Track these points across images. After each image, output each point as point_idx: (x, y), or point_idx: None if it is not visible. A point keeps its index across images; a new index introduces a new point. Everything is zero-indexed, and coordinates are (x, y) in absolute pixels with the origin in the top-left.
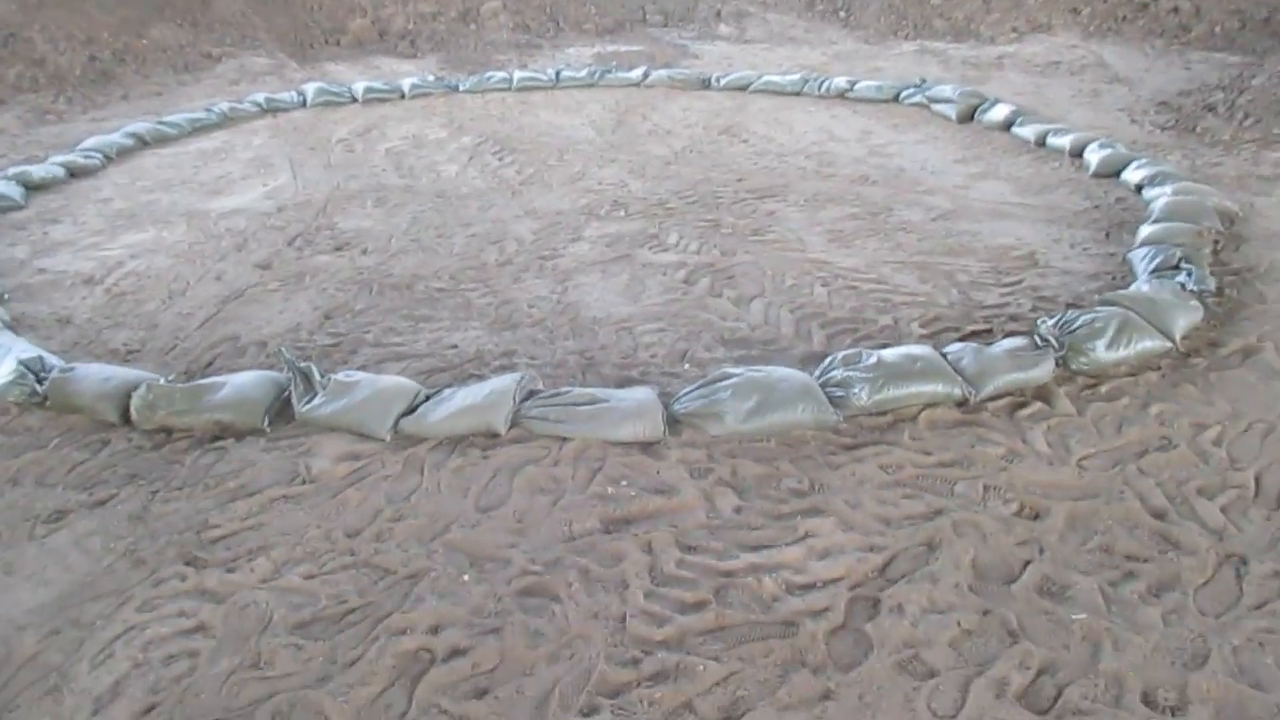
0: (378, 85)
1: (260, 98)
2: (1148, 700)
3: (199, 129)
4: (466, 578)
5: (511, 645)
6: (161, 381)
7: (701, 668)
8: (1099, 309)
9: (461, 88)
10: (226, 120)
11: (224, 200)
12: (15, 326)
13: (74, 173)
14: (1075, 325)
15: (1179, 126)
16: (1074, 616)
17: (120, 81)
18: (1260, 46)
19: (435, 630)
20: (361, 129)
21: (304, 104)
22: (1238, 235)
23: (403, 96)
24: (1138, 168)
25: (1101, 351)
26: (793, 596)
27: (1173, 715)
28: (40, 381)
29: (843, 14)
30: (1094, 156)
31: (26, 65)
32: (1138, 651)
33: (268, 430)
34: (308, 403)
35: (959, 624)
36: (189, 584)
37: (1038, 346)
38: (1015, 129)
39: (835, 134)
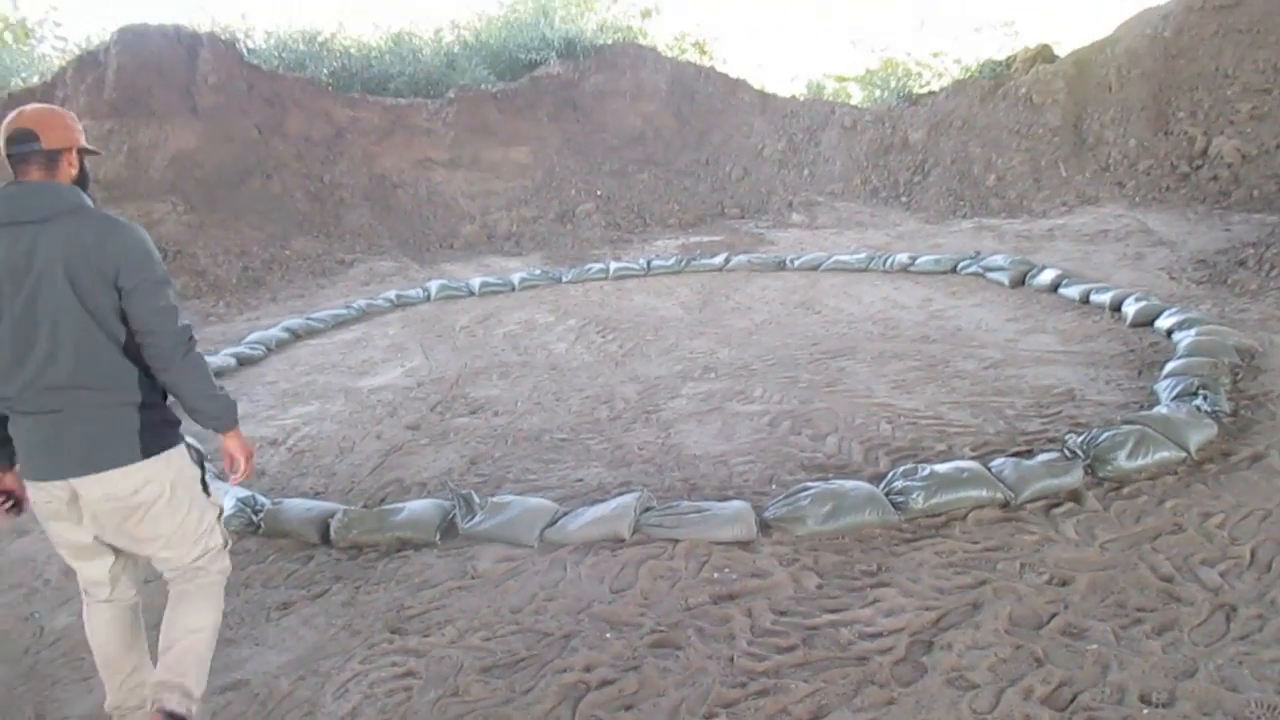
0: (491, 280)
1: (391, 294)
2: (1143, 699)
3: (341, 323)
4: (609, 635)
5: (648, 677)
6: (354, 508)
7: (794, 686)
8: (1122, 426)
9: (564, 279)
10: (364, 315)
11: (371, 379)
12: (222, 478)
13: (242, 362)
14: (1100, 439)
15: (1212, 280)
16: (1088, 647)
17: (269, 286)
18: None
19: (588, 669)
20: (480, 317)
21: (428, 298)
22: (1256, 367)
23: (513, 289)
24: (1169, 316)
25: (1123, 460)
26: (864, 641)
27: (1163, 708)
28: (255, 513)
29: (904, 199)
30: (1131, 309)
31: (191, 276)
32: (1139, 669)
33: (438, 543)
34: (469, 521)
35: (996, 654)
36: (395, 645)
37: (1068, 458)
38: (1061, 290)
39: (898, 303)
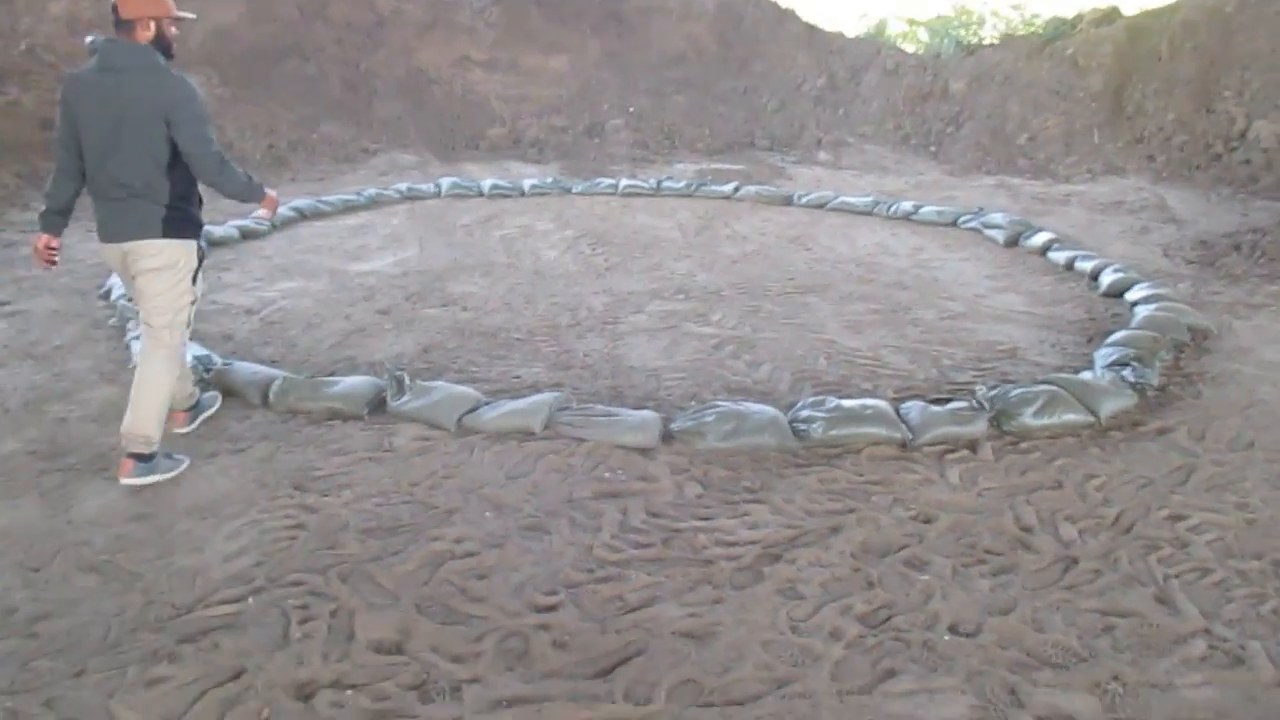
0: (502, 183)
1: (403, 186)
2: (951, 628)
3: (349, 208)
4: (489, 515)
5: (508, 554)
6: (293, 376)
7: (635, 578)
8: (1035, 385)
9: (574, 190)
10: (373, 203)
11: (361, 264)
12: (191, 339)
13: (245, 235)
14: (1010, 395)
15: (1202, 261)
16: (921, 578)
17: (291, 166)
18: None
19: (458, 541)
20: (484, 218)
21: (439, 194)
22: (1204, 348)
23: (522, 194)
24: (1139, 289)
25: (1028, 417)
26: (718, 548)
27: (966, 637)
28: (206, 371)
29: (933, 149)
30: (1106, 279)
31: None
32: (959, 602)
33: (366, 417)
34: (397, 400)
35: (833, 573)
36: (295, 501)
37: (975, 409)
38: (1050, 254)
39: (889, 248)
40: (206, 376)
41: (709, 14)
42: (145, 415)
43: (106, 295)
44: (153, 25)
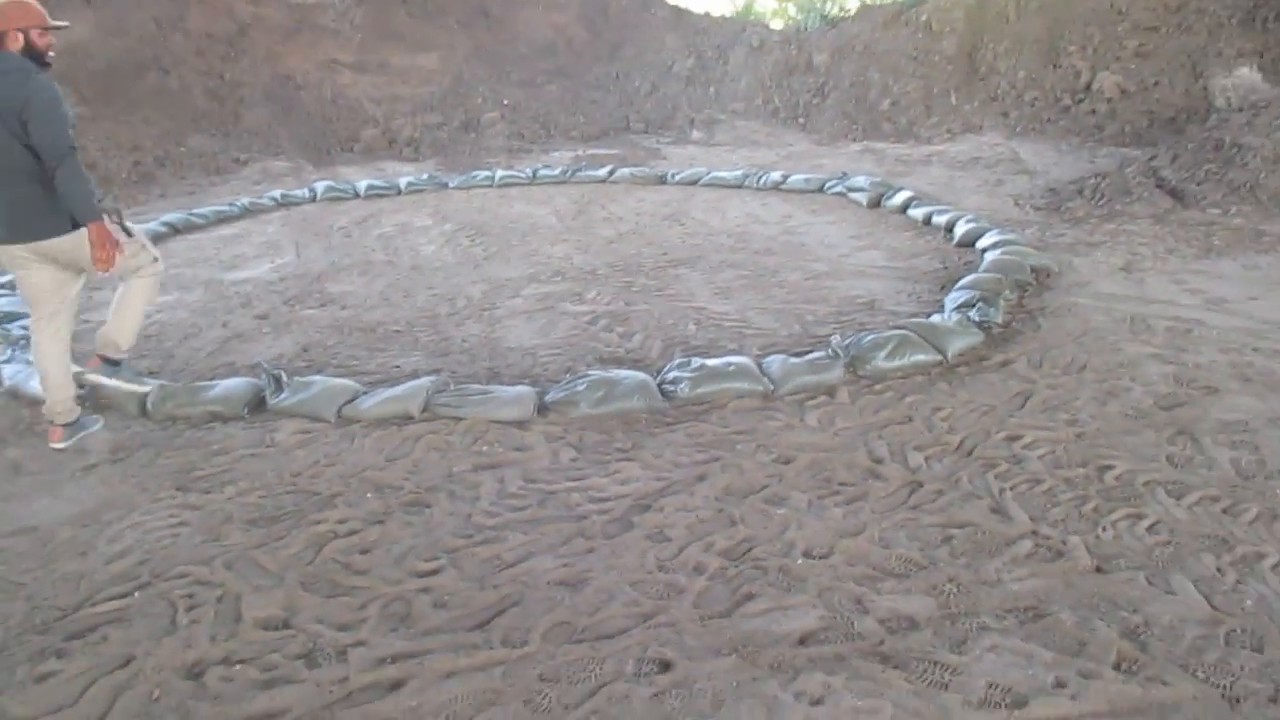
0: (378, 183)
1: (276, 193)
2: (805, 553)
3: (222, 219)
4: (370, 495)
5: (389, 529)
6: (170, 384)
7: (511, 538)
8: (886, 331)
9: (450, 185)
10: (246, 212)
11: (237, 273)
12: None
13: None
14: (864, 341)
15: (1049, 207)
16: (779, 511)
17: (159, 182)
18: (1162, 141)
19: (341, 521)
20: (360, 218)
21: (314, 199)
22: (1047, 286)
23: (399, 192)
24: (989, 237)
25: (881, 361)
26: (591, 504)
27: (819, 559)
28: (80, 388)
29: (801, 120)
30: (959, 229)
31: None
32: (813, 529)
33: (246, 417)
34: (277, 398)
35: (698, 516)
36: (177, 500)
37: (831, 357)
38: (910, 211)
39: (760, 218)
40: (82, 391)
41: (575, 3)
42: (123, 327)
43: None
44: (21, 36)
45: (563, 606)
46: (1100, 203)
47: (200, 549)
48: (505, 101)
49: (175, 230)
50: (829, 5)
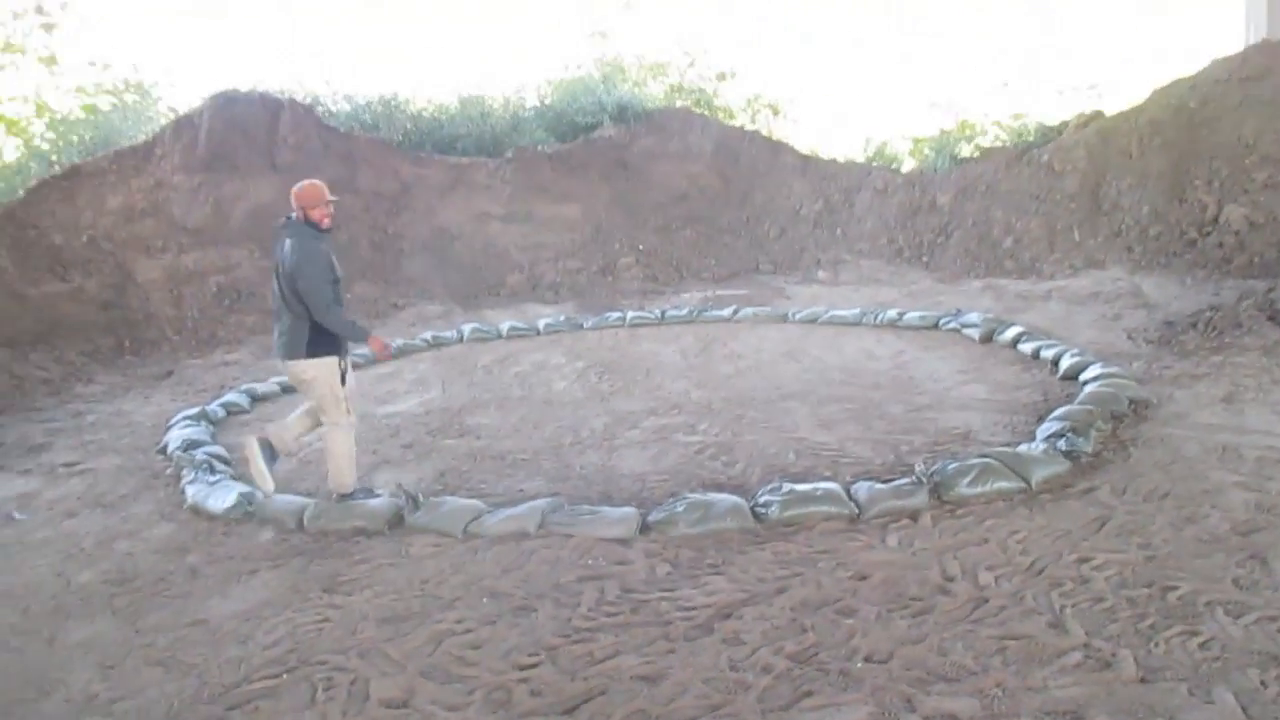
0: (519, 325)
1: (428, 335)
2: (867, 659)
3: (382, 364)
4: (485, 600)
5: (499, 629)
6: (323, 501)
7: (604, 639)
8: (970, 459)
9: (585, 325)
10: (400, 353)
11: (388, 406)
12: (238, 478)
13: (286, 390)
14: (948, 469)
15: (1161, 341)
16: (848, 621)
17: None
18: None
19: (458, 622)
20: (501, 357)
21: (461, 340)
22: (1144, 417)
23: (538, 333)
24: (1092, 370)
25: (964, 487)
26: (677, 611)
27: (878, 664)
28: (251, 504)
29: (925, 259)
30: (1064, 363)
31: (260, 315)
32: (878, 639)
33: (386, 532)
34: (413, 515)
35: (773, 624)
36: (324, 601)
37: (915, 483)
38: (1019, 346)
39: (873, 354)
40: (251, 509)
41: (707, 154)
42: (335, 470)
43: (163, 450)
44: (301, 211)
45: (641, 697)
46: (1211, 335)
47: (339, 640)
48: (640, 246)
49: None
50: (959, 146)
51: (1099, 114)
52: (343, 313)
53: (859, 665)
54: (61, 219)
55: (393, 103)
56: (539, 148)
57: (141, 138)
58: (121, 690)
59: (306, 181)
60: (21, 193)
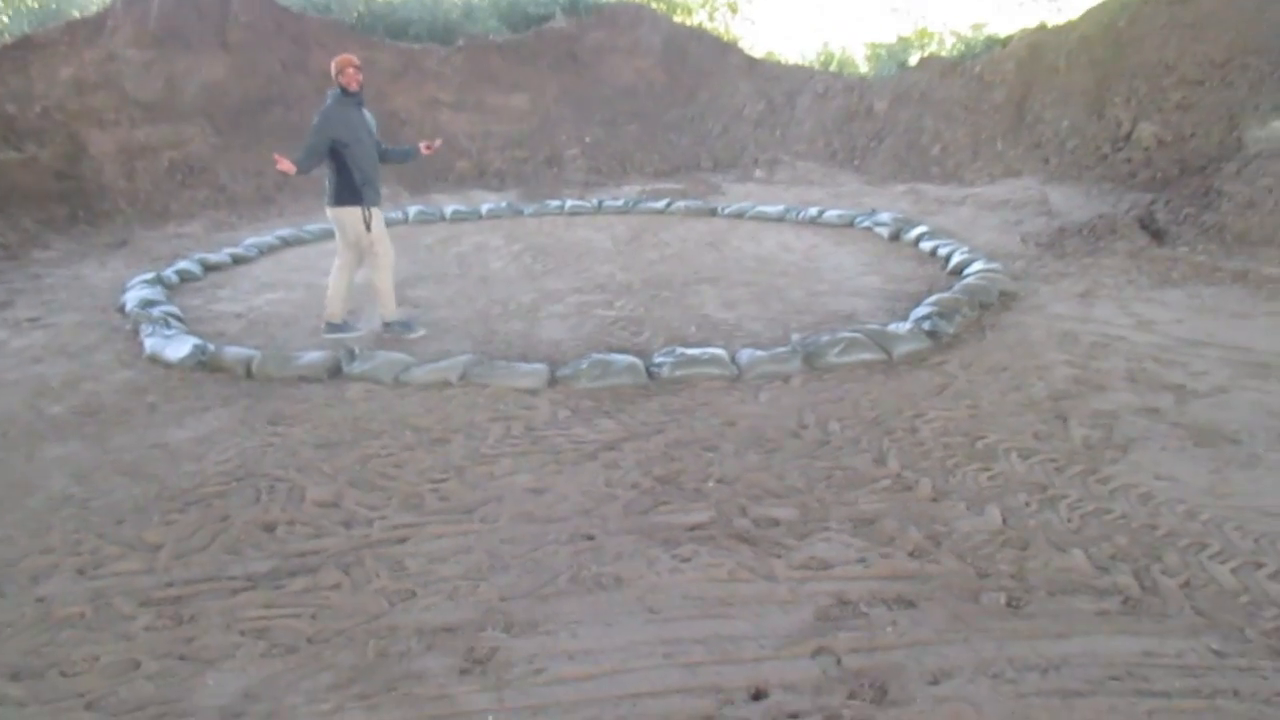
0: (462, 208)
1: None
2: (718, 480)
3: (328, 235)
4: (408, 433)
5: (417, 454)
6: (269, 352)
7: (504, 461)
8: (839, 333)
9: (525, 212)
10: None
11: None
12: (190, 334)
13: (237, 260)
14: (821, 340)
15: (1049, 245)
16: (710, 454)
17: (278, 204)
18: (1175, 187)
19: (383, 448)
20: (443, 238)
21: (406, 220)
22: (1009, 307)
23: (480, 217)
24: (975, 266)
25: (832, 356)
26: (569, 445)
27: (726, 484)
28: (204, 354)
29: (855, 162)
30: (954, 259)
31: (211, 190)
32: (731, 466)
33: (325, 380)
34: (349, 365)
35: (646, 454)
36: (269, 431)
37: (791, 352)
38: (921, 243)
39: (789, 246)
40: (204, 358)
41: (656, 51)
42: (380, 298)
43: (121, 309)
44: (335, 80)
45: (528, 503)
46: (1089, 238)
47: (280, 460)
48: (587, 138)
49: (287, 243)
50: (911, 55)
51: (1042, 27)
52: (366, 171)
53: (710, 485)
54: (14, 88)
55: None
56: (490, 37)
57: (93, 9)
58: (93, 492)
59: (339, 55)
60: None
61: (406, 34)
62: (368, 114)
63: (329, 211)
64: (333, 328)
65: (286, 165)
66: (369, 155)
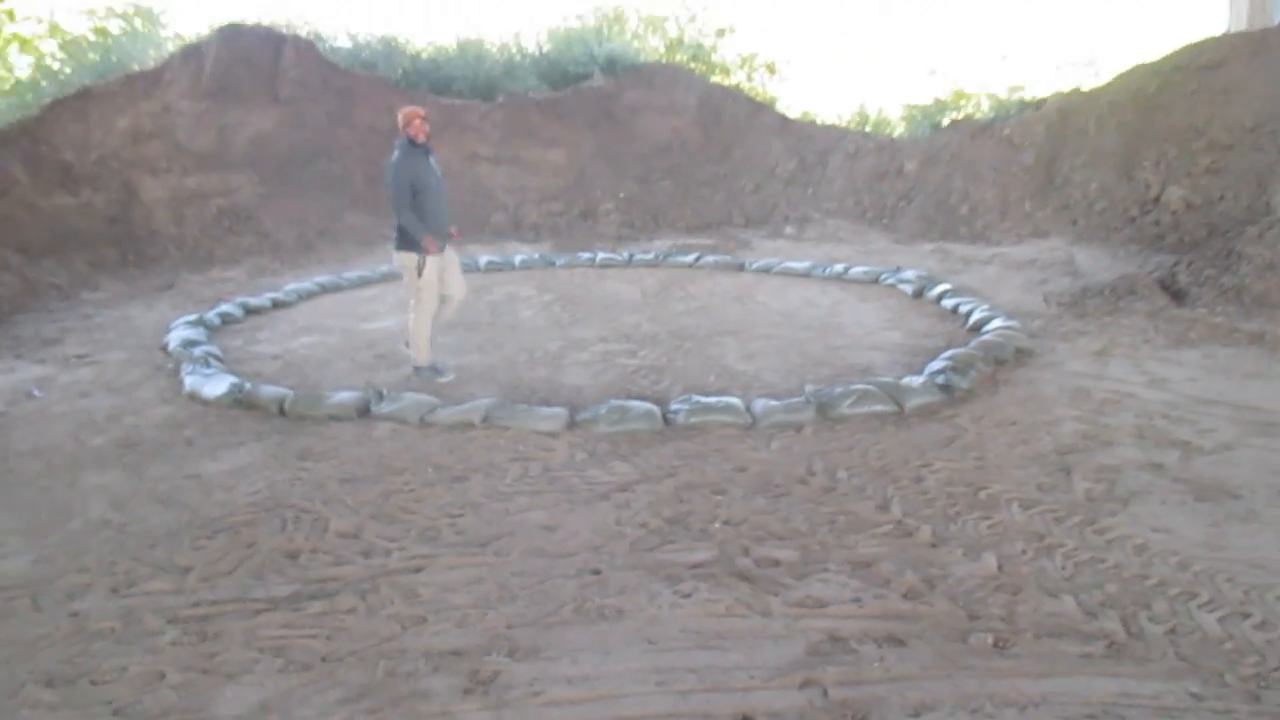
0: (496, 259)
1: None
2: (725, 523)
3: (365, 283)
4: (430, 470)
5: (436, 490)
6: (302, 392)
7: (521, 500)
8: (853, 385)
9: (557, 263)
10: (384, 278)
11: (369, 324)
12: (230, 373)
13: (277, 304)
14: (835, 392)
15: (1070, 304)
16: (719, 497)
17: (319, 251)
18: (1201, 250)
19: (406, 484)
20: (476, 287)
21: None
22: (1024, 363)
23: (513, 268)
24: (994, 324)
25: (845, 408)
26: (584, 485)
27: (732, 526)
28: (240, 392)
29: (885, 220)
30: (974, 317)
31: (256, 237)
32: (735, 509)
33: (355, 419)
34: (377, 406)
35: (658, 496)
36: (297, 466)
37: (804, 403)
38: (943, 301)
39: (813, 301)
40: (240, 395)
41: (691, 109)
42: (413, 341)
43: (164, 348)
44: (403, 131)
45: (540, 538)
46: (1110, 300)
47: (307, 492)
48: (620, 194)
49: (324, 289)
50: (945, 116)
51: (1076, 91)
52: (416, 217)
53: (716, 526)
54: (73, 137)
55: (392, 43)
56: (529, 94)
57: (150, 63)
58: (129, 518)
59: (405, 108)
60: (37, 110)
61: (449, 90)
62: (434, 162)
63: (393, 255)
64: (420, 371)
65: (433, 246)
66: (438, 202)
